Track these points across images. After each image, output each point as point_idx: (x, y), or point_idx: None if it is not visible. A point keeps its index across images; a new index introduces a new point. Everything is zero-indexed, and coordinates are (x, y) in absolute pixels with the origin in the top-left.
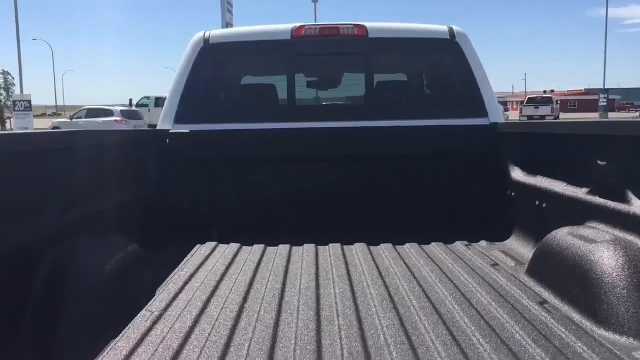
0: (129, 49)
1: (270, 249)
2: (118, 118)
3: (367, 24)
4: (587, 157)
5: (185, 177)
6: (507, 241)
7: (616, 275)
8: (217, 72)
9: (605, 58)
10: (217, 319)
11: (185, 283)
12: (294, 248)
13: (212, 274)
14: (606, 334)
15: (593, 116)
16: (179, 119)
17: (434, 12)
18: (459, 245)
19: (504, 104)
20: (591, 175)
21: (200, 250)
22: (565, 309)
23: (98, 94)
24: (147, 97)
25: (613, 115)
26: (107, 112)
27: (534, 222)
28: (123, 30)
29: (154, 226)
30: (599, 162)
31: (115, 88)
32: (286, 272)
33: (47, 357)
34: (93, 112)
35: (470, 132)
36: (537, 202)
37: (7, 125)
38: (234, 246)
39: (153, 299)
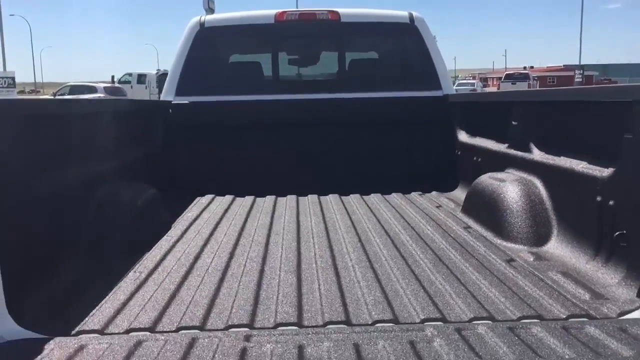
0: (108, 25)
1: (259, 199)
2: (102, 95)
3: (340, 10)
4: (507, 120)
5: (185, 140)
6: (454, 191)
7: (514, 203)
8: (211, 52)
9: (581, 34)
10: (222, 240)
11: (194, 220)
12: (279, 198)
13: (214, 214)
14: (505, 243)
15: None
16: (179, 92)
17: None
18: (414, 194)
19: (484, 80)
20: (508, 133)
21: (200, 201)
22: (481, 229)
23: (77, 71)
24: (130, 74)
25: None
26: (91, 89)
27: (473, 174)
28: (102, 7)
29: (162, 180)
30: (513, 122)
31: (94, 65)
32: (273, 212)
33: (99, 261)
34: (77, 89)
35: (427, 102)
36: (474, 158)
37: None
38: (228, 197)
39: (171, 229)
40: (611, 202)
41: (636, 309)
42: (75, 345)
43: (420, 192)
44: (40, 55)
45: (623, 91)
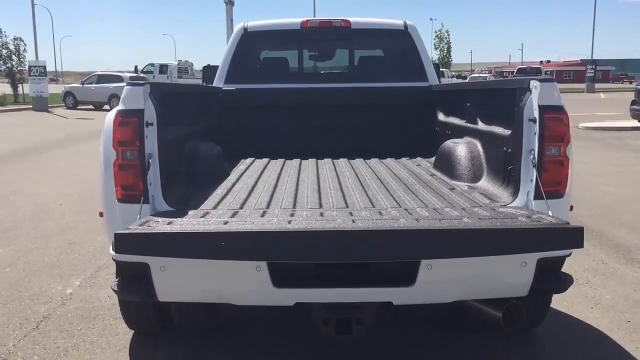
0: (126, 16)
1: (288, 161)
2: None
3: (351, 19)
4: (465, 102)
5: (232, 118)
6: (433, 157)
7: (462, 156)
8: (253, 50)
9: (594, 29)
10: (267, 179)
11: (245, 170)
12: (303, 161)
13: (258, 167)
14: (453, 181)
15: (582, 87)
16: (228, 80)
17: None
18: (403, 159)
19: (500, 74)
20: (466, 112)
21: (245, 161)
22: (442, 175)
23: (95, 60)
24: (152, 65)
25: (606, 86)
26: (117, 78)
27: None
28: None
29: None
30: (467, 104)
31: (112, 54)
32: (300, 167)
33: (193, 185)
34: (103, 78)
35: (416, 91)
36: (447, 132)
37: (20, 89)
38: (265, 160)
39: (231, 174)
40: (509, 150)
41: (507, 204)
42: (202, 212)
43: (408, 157)
44: (60, 45)
45: (512, 81)
